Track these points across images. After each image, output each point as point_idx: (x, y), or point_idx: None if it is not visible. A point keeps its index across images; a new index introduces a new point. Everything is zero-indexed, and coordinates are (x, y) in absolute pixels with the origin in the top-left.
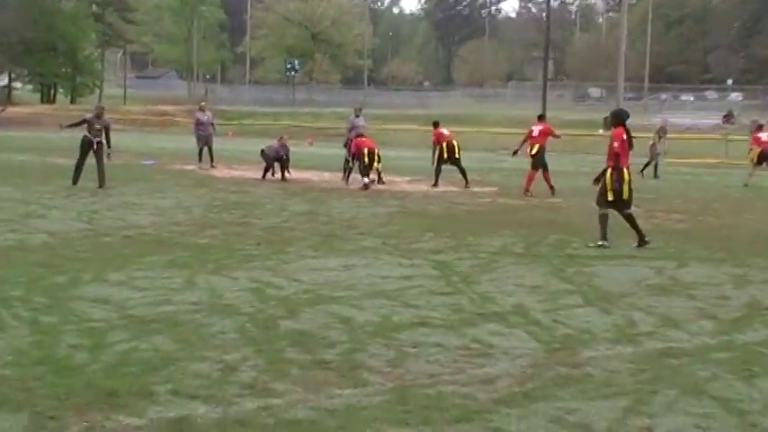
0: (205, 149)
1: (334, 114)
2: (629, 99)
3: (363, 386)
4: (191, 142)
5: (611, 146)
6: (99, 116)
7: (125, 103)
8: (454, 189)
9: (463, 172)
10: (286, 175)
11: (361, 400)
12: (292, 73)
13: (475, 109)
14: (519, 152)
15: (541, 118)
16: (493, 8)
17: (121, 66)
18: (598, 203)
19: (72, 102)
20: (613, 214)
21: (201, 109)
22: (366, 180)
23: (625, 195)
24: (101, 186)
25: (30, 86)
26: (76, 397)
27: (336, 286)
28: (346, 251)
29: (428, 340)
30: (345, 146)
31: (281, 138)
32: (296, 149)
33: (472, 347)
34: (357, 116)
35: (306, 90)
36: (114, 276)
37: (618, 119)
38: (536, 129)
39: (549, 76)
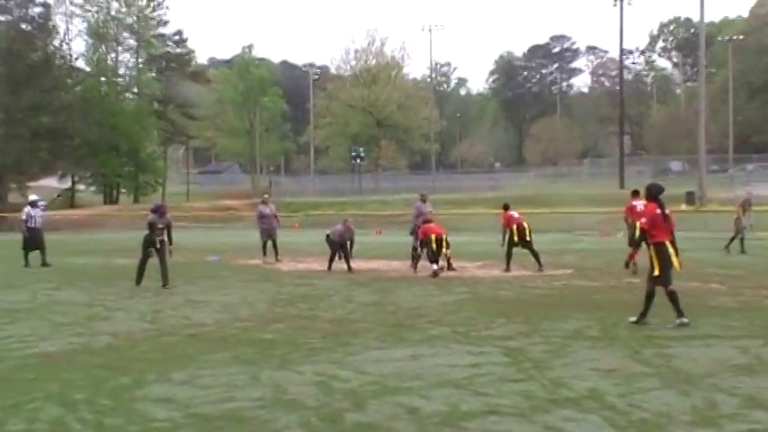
0: (269, 243)
1: (402, 201)
2: (714, 171)
3: None
4: (255, 236)
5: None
6: (162, 214)
7: (188, 200)
8: (527, 273)
9: (535, 255)
10: (351, 265)
11: None
12: (358, 161)
13: (549, 189)
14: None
15: (637, 194)
16: (564, 84)
17: (184, 162)
18: (662, 284)
19: (135, 201)
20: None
21: (264, 202)
22: (435, 267)
23: (677, 267)
24: (164, 285)
25: (93, 188)
26: None
27: (403, 377)
28: (414, 341)
29: (498, 429)
30: (412, 233)
31: (346, 221)
32: (364, 239)
33: None
34: (423, 201)
35: (372, 178)
36: (178, 376)
37: (649, 194)
38: (639, 204)
39: (626, 152)
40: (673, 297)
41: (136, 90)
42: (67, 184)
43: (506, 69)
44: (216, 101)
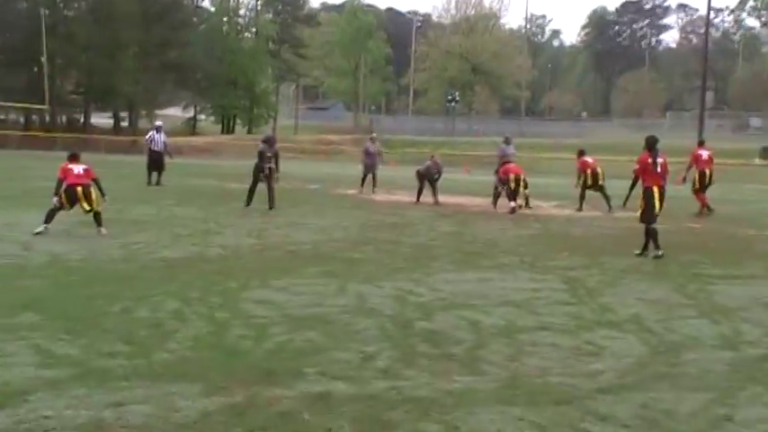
0: (369, 176)
1: (491, 143)
2: None
3: (481, 375)
4: (355, 169)
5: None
6: (271, 145)
7: (296, 133)
8: (597, 213)
9: (607, 198)
10: (438, 199)
11: (477, 385)
12: (453, 104)
13: (630, 139)
14: (687, 178)
15: (702, 144)
16: (653, 39)
17: (294, 98)
18: (645, 221)
19: (249, 132)
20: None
21: (372, 140)
22: (513, 204)
23: (657, 210)
24: (270, 208)
25: (212, 118)
26: (242, 374)
27: (470, 296)
28: (485, 267)
29: (545, 341)
30: (496, 172)
31: (433, 156)
32: (453, 176)
33: (584, 348)
34: (507, 144)
35: (465, 120)
36: (277, 283)
37: (646, 144)
38: (705, 153)
39: (709, 106)
40: (652, 233)
41: (254, 30)
42: (190, 113)
43: (599, 23)
44: (325, 43)
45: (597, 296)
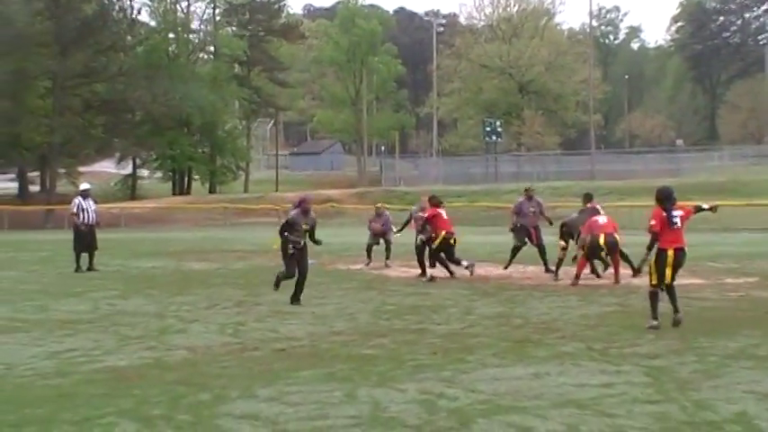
0: (375, 246)
1: (549, 190)
2: None
3: None
4: (360, 235)
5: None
6: (306, 211)
7: (277, 189)
8: (697, 281)
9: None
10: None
11: None
12: (493, 138)
13: (747, 175)
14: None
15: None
16: None
17: (272, 140)
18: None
19: (211, 190)
20: None
21: (378, 213)
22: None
23: (667, 279)
24: (294, 302)
25: (159, 174)
26: None
27: (520, 396)
28: (539, 358)
29: None
30: (512, 230)
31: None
32: (496, 239)
33: None
34: (529, 198)
35: (513, 160)
36: (264, 392)
37: (656, 198)
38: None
39: None
40: (652, 297)
41: (212, 50)
42: (127, 169)
43: (696, 15)
44: (313, 62)
45: (690, 390)
